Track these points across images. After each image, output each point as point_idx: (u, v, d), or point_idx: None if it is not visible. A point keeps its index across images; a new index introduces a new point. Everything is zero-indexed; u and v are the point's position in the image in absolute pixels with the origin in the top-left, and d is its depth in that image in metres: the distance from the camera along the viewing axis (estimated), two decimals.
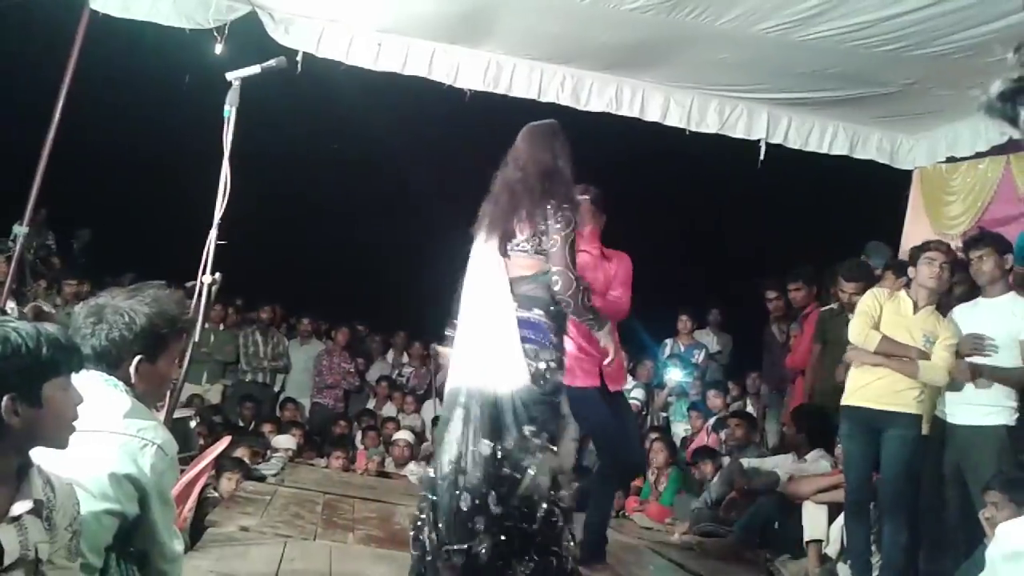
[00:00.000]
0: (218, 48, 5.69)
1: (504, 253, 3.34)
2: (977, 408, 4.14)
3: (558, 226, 3.23)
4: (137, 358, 2.13)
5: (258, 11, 5.88)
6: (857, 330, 4.32)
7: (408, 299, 9.93)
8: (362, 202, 9.66)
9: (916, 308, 4.26)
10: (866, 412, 4.25)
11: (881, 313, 4.33)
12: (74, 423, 1.78)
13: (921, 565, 4.29)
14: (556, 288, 3.20)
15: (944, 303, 4.44)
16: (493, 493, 3.00)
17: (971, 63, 5.09)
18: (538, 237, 3.28)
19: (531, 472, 3.01)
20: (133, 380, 2.13)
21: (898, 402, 4.16)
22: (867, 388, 4.27)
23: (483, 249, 3.38)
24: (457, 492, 3.02)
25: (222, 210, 3.05)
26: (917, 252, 4.38)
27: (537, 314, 3.23)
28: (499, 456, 3.03)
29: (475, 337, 3.25)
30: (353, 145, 9.03)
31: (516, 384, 3.11)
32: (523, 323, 3.21)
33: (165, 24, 5.77)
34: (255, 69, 3.23)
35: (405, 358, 9.52)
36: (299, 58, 5.98)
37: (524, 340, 3.19)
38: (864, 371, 4.30)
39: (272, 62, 3.29)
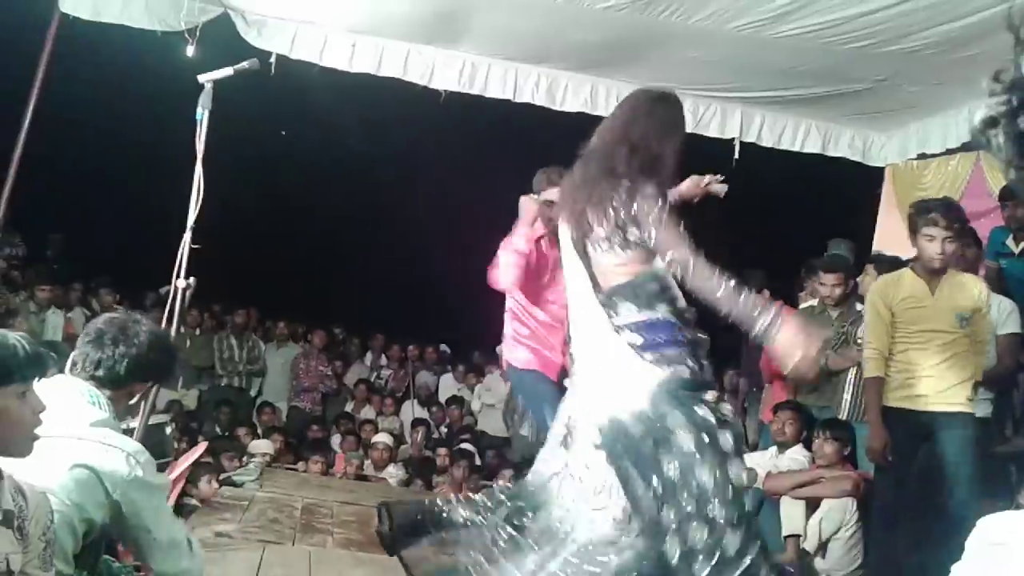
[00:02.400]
0: (190, 51, 5.65)
1: (583, 252, 2.77)
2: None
3: (647, 208, 2.59)
4: (143, 383, 2.19)
5: (230, 13, 5.85)
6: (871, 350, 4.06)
7: (386, 301, 9.91)
8: (338, 204, 9.62)
9: (932, 290, 3.93)
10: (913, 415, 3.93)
11: (893, 317, 3.99)
12: (35, 430, 1.76)
13: (900, 558, 4.33)
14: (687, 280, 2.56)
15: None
16: None
17: (941, 59, 5.16)
18: (623, 229, 2.66)
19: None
20: (113, 398, 2.16)
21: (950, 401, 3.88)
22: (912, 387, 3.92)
23: (567, 246, 2.85)
24: None
25: (196, 214, 3.02)
26: (915, 226, 3.94)
27: (663, 312, 2.66)
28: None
29: (582, 354, 2.78)
30: (328, 147, 8.99)
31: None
32: (643, 326, 2.64)
33: (137, 27, 5.73)
34: (227, 71, 3.21)
35: (383, 360, 9.49)
36: (272, 60, 5.96)
37: (647, 347, 2.62)
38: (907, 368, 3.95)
39: (245, 64, 3.26)
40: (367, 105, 7.38)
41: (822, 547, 4.54)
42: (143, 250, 6.03)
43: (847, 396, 5.00)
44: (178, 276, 2.95)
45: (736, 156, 6.68)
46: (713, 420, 2.60)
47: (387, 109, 7.41)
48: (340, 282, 10.10)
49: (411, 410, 8.59)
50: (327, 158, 9.22)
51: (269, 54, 5.93)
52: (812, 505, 4.62)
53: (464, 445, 7.47)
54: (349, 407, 8.56)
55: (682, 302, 2.74)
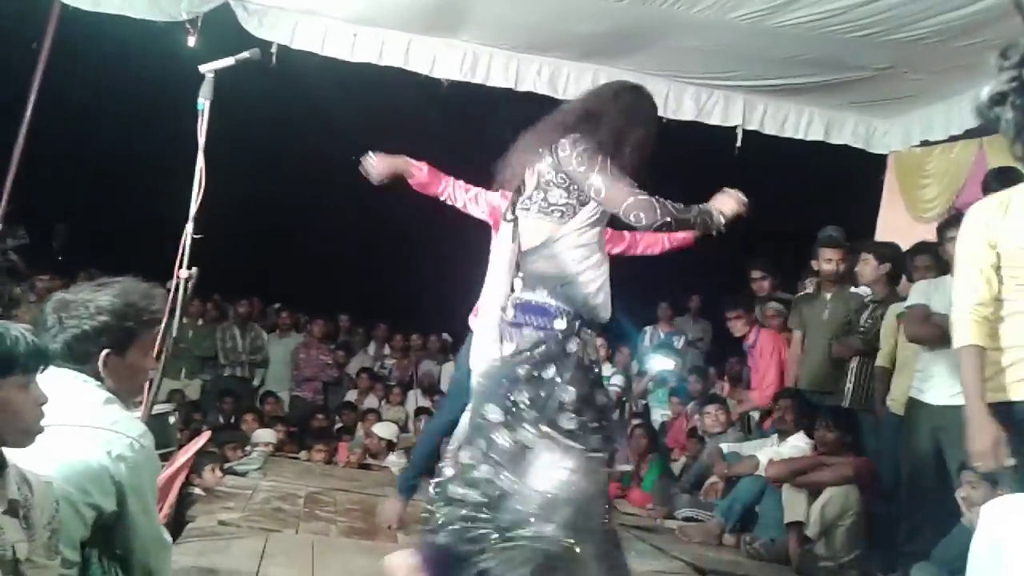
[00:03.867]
0: (191, 41, 5.64)
1: (511, 215, 2.81)
2: (952, 386, 4.16)
3: (577, 159, 2.61)
4: (104, 352, 2.12)
5: (231, 3, 5.83)
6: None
7: (389, 290, 9.91)
8: (341, 194, 9.58)
9: None
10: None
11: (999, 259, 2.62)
12: (37, 423, 1.76)
13: (900, 545, 4.35)
14: (642, 223, 2.60)
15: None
16: None
17: (944, 48, 5.15)
18: (544, 188, 2.69)
19: None
20: (103, 374, 2.12)
21: None
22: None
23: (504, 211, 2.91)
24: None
25: (198, 204, 3.02)
26: None
27: (541, 296, 2.70)
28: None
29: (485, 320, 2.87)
30: (331, 137, 8.96)
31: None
32: (526, 307, 2.71)
33: (138, 17, 5.71)
34: (229, 61, 3.21)
35: (387, 350, 9.51)
36: (274, 50, 5.95)
37: (525, 325, 2.69)
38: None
39: (246, 54, 3.26)
40: (369, 95, 7.37)
41: (824, 533, 4.56)
42: (146, 240, 6.03)
43: (849, 384, 5.01)
44: (180, 266, 2.96)
45: (739, 144, 6.67)
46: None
47: (389, 99, 7.40)
48: (344, 271, 10.11)
49: (415, 399, 8.60)
50: (329, 148, 9.17)
51: (270, 44, 5.92)
52: (814, 492, 4.64)
53: None
54: (353, 396, 8.58)
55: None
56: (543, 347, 2.67)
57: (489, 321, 2.84)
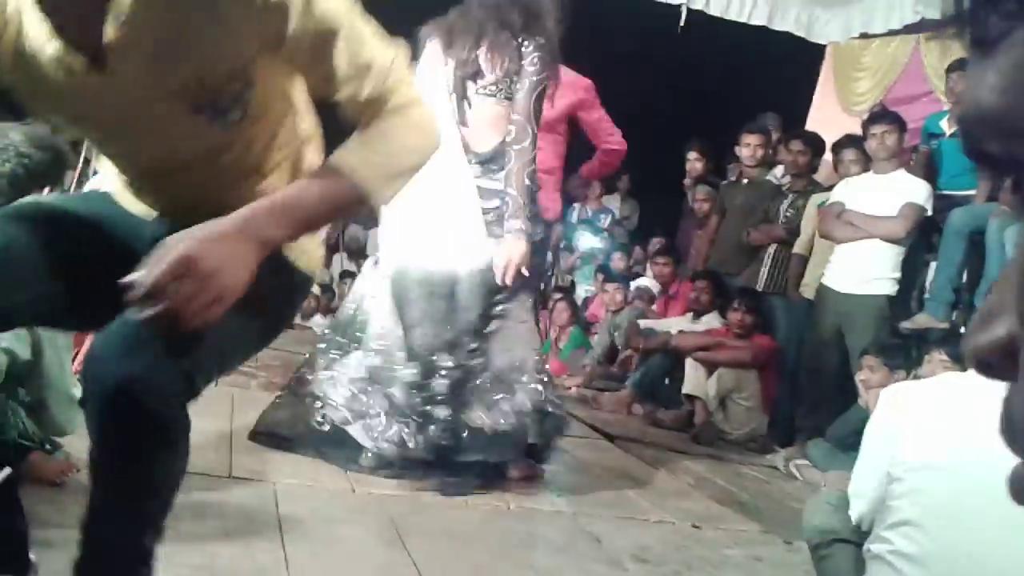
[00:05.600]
0: None
1: (463, 94, 2.88)
2: (860, 277, 4.35)
3: (532, 69, 2.78)
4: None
5: None
6: None
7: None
8: None
9: None
10: None
11: None
12: None
13: (798, 421, 4.61)
14: (508, 138, 2.79)
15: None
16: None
17: None
18: (510, 78, 2.82)
19: None
20: None
21: None
22: None
23: (437, 75, 2.88)
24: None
25: None
26: None
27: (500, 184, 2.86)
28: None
29: (428, 207, 2.82)
30: None
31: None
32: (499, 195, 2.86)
33: None
34: None
35: None
36: None
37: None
38: None
39: None
40: None
41: (723, 407, 4.79)
42: None
43: (765, 269, 5.16)
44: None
45: (682, 23, 6.57)
46: None
47: None
48: None
49: (340, 262, 8.55)
50: None
51: None
52: (714, 367, 4.85)
53: None
54: None
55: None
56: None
57: (452, 210, 2.87)
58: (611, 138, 4.12)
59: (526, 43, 2.78)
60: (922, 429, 1.58)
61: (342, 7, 1.22)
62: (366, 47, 1.23)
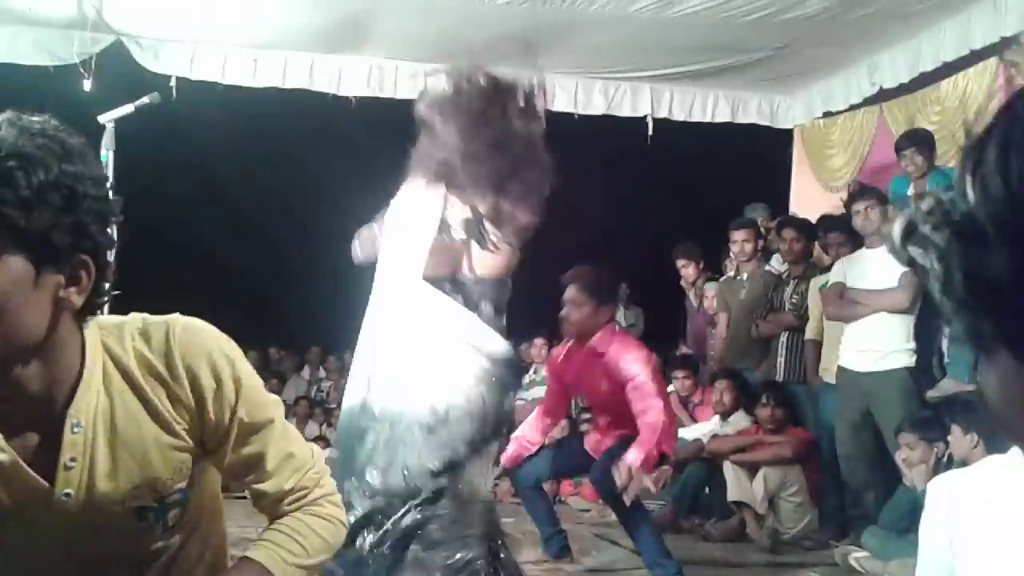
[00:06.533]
0: (87, 84, 5.46)
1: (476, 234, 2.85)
2: (876, 353, 4.32)
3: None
4: None
5: (123, 39, 5.67)
6: None
7: (318, 312, 9.76)
8: (259, 221, 9.45)
9: None
10: None
11: None
12: None
13: (847, 510, 4.48)
14: None
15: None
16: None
17: (838, 21, 5.34)
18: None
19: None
20: None
21: None
22: None
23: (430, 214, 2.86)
24: None
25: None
26: None
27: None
28: None
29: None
30: (241, 164, 8.82)
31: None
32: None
33: (28, 64, 5.52)
34: (128, 108, 3.11)
35: (322, 372, 9.36)
36: (173, 83, 5.82)
37: None
38: None
39: (146, 99, 3.17)
40: (278, 118, 7.26)
41: (771, 508, 4.66)
42: None
43: (781, 359, 5.13)
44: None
45: (650, 133, 6.77)
46: None
47: (298, 120, 7.30)
48: (270, 299, 9.93)
49: (315, 429, 8.45)
50: (240, 175, 9.05)
51: (169, 77, 5.79)
52: (755, 469, 4.75)
53: None
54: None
55: None
56: None
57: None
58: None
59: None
60: (980, 532, 1.53)
61: (270, 402, 1.35)
62: (291, 441, 1.36)
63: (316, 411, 8.57)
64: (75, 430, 1.20)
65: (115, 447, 1.23)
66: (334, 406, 8.66)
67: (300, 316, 9.78)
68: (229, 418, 1.28)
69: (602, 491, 3.86)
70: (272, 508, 1.36)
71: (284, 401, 8.47)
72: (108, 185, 1.19)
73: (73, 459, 1.21)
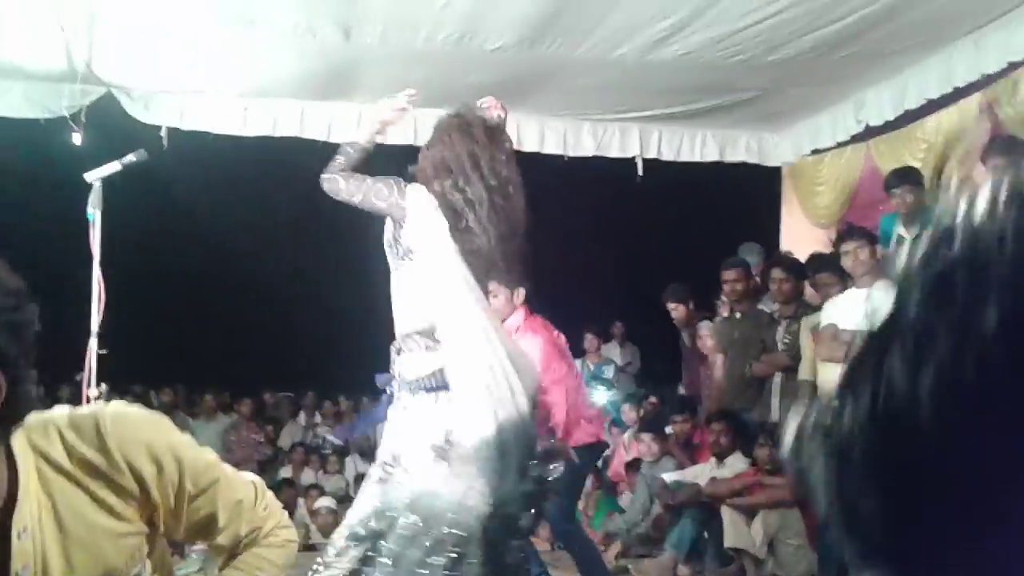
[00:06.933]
0: (77, 138, 5.47)
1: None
2: None
3: None
4: None
5: (114, 91, 5.71)
6: None
7: (311, 357, 9.74)
8: (250, 268, 9.45)
9: None
10: None
11: None
12: None
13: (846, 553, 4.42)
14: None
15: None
16: None
17: (822, 61, 5.39)
18: None
19: None
20: None
21: None
22: None
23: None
24: None
25: (100, 318, 2.91)
26: None
27: None
28: None
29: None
30: (233, 211, 8.85)
31: None
32: None
33: (17, 117, 5.55)
34: (115, 166, 3.13)
35: (318, 418, 9.30)
36: (163, 133, 5.85)
37: None
38: None
39: (132, 156, 3.19)
40: (270, 166, 7.30)
41: (771, 552, 4.61)
42: (47, 347, 5.80)
43: (775, 400, 5.11)
44: (89, 385, 2.84)
45: (640, 173, 6.80)
46: None
47: (290, 168, 7.33)
48: (262, 346, 9.91)
49: (354, 465, 8.40)
50: (233, 223, 9.07)
51: (159, 128, 5.83)
52: (753, 512, 4.70)
53: None
54: (288, 472, 8.31)
55: None
56: None
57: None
58: None
59: None
60: None
61: (210, 462, 1.39)
62: (236, 488, 1.41)
63: (312, 457, 8.48)
64: (21, 537, 1.20)
65: (66, 546, 1.23)
66: (329, 452, 8.61)
67: (295, 361, 9.75)
68: (176, 496, 1.31)
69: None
70: (231, 551, 1.41)
71: (279, 448, 8.48)
72: (21, 296, 1.15)
73: (25, 566, 1.20)
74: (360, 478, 7.86)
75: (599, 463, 7.03)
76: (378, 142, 5.54)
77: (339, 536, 2.85)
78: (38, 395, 1.25)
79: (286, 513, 1.52)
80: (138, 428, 1.31)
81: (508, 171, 2.87)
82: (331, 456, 8.50)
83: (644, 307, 7.86)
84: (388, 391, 2.97)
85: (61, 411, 1.30)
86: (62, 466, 1.24)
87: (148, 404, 8.34)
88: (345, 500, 7.52)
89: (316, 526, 6.90)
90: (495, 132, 2.92)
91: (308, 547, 6.64)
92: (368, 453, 8.50)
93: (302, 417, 9.32)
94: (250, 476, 1.52)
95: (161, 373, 8.75)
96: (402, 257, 2.81)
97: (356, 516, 2.82)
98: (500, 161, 2.84)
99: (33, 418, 1.26)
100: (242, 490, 1.42)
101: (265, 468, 8.40)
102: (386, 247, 2.87)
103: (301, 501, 7.37)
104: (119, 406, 1.34)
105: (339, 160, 2.99)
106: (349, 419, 9.16)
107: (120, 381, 7.97)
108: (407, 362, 2.82)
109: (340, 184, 2.92)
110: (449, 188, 2.79)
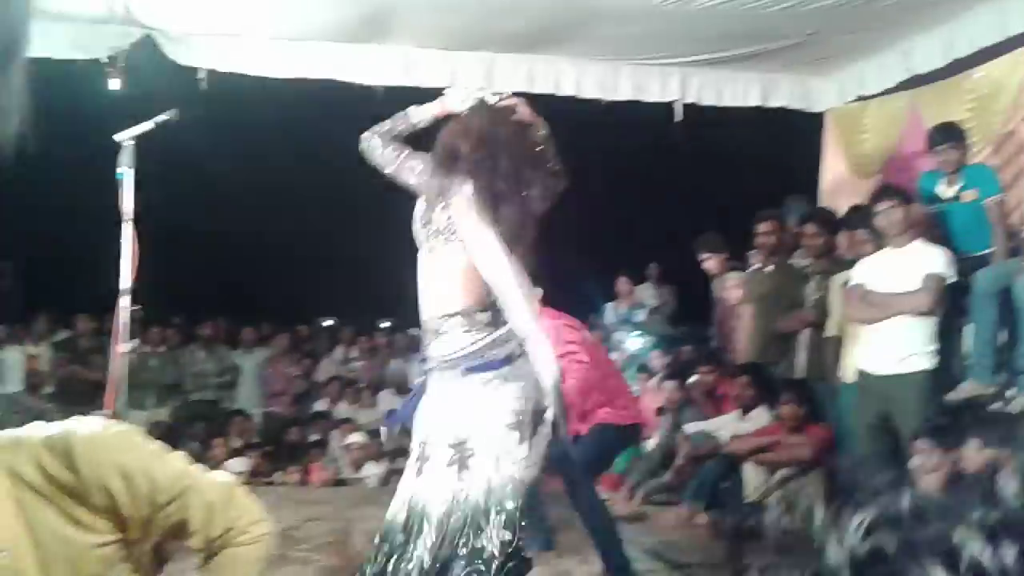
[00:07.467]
0: (116, 83, 5.52)
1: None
2: (896, 356, 4.24)
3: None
4: None
5: (152, 33, 5.74)
6: None
7: (350, 293, 9.88)
8: (294, 206, 9.56)
9: None
10: None
11: None
12: None
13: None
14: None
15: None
16: None
17: (868, 8, 5.21)
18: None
19: None
20: None
21: None
22: None
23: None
24: None
25: (132, 276, 2.99)
26: None
27: None
28: None
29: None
30: (274, 153, 8.92)
31: None
32: None
33: (60, 58, 5.61)
34: (148, 125, 3.18)
35: (354, 352, 9.45)
36: (202, 76, 5.89)
37: None
38: None
39: (164, 116, 3.23)
40: (307, 107, 7.31)
41: (788, 507, 4.67)
42: (91, 274, 5.94)
43: (803, 355, 5.09)
44: (118, 342, 2.94)
45: (679, 118, 6.69)
46: None
47: (328, 108, 7.35)
48: (303, 281, 10.08)
49: (389, 400, 8.57)
50: (275, 164, 9.14)
51: (197, 70, 5.87)
52: (774, 468, 4.74)
53: None
54: (323, 406, 8.49)
55: None
56: None
57: None
58: None
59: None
60: None
61: (180, 468, 1.42)
62: (206, 490, 1.44)
63: (347, 391, 8.66)
64: (2, 557, 1.26)
65: (45, 563, 1.30)
66: (364, 386, 8.79)
67: (332, 297, 9.92)
68: (148, 507, 1.36)
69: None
70: (206, 552, 1.46)
71: (315, 381, 8.65)
72: None
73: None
74: (392, 412, 8.01)
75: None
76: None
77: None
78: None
79: (260, 506, 1.55)
80: (109, 449, 1.36)
81: (529, 170, 2.77)
82: (364, 390, 8.65)
83: (680, 251, 7.83)
84: (421, 374, 2.94)
85: (35, 431, 1.36)
86: (36, 486, 1.30)
87: (190, 337, 8.56)
88: (375, 435, 7.67)
89: (348, 461, 7.08)
90: (522, 129, 2.82)
91: (338, 482, 6.87)
92: (401, 390, 8.60)
93: (339, 351, 9.48)
94: (222, 476, 1.56)
95: (204, 304, 8.94)
96: (438, 236, 2.69)
97: (435, 510, 2.63)
98: (522, 160, 2.74)
99: (5, 437, 1.33)
100: (213, 492, 1.46)
101: (300, 400, 8.65)
102: (418, 226, 2.75)
103: (334, 433, 7.57)
104: (92, 426, 1.39)
105: (387, 125, 2.92)
106: (384, 355, 9.30)
107: (163, 313, 8.24)
108: (449, 343, 2.73)
109: (378, 149, 2.89)
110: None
